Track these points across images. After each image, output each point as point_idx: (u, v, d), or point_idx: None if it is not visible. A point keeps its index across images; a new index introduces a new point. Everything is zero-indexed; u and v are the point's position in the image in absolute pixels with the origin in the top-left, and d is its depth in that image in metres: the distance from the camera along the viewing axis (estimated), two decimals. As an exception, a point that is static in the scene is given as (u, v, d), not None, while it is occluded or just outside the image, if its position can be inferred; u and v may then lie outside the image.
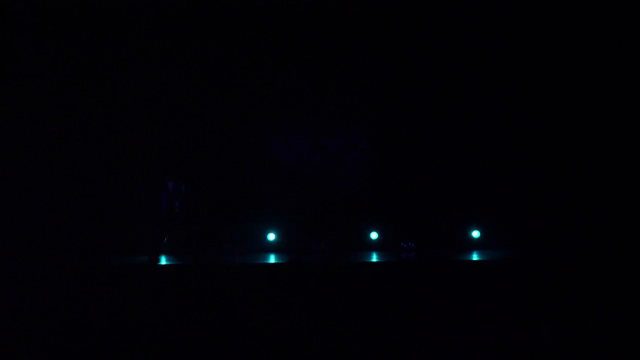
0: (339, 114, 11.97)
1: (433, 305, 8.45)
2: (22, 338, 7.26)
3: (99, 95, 10.87)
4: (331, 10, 10.74)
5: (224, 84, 11.67)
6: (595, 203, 10.87)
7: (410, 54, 11.51)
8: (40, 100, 10.50)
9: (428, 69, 11.62)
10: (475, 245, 11.78)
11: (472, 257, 10.43)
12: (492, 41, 10.90)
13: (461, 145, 11.91)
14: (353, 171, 12.23)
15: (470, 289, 8.66)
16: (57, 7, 10.14)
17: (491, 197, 11.64)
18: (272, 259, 10.60)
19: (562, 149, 11.22)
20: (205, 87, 11.63)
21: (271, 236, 12.08)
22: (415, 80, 11.66)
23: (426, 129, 11.94)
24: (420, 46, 11.46)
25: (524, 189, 11.52)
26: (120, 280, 8.66)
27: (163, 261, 10.07)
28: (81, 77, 10.74)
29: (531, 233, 11.12)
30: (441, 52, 11.46)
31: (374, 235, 12.18)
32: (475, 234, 11.94)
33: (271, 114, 11.99)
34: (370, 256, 10.72)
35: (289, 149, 12.24)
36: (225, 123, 11.82)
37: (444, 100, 11.65)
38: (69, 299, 8.09)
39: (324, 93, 11.72)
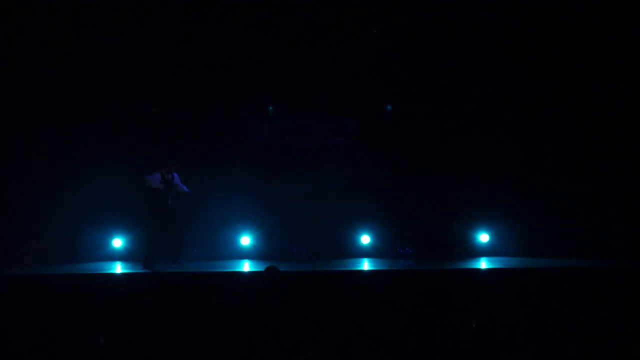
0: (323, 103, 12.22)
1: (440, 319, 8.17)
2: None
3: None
4: None
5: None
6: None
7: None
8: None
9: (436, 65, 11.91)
10: (482, 251, 11.84)
11: (478, 264, 10.66)
12: (488, 36, 11.60)
13: (467, 135, 11.98)
14: (340, 163, 12.29)
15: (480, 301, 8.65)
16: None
17: (502, 195, 11.71)
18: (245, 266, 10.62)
19: (565, 152, 11.75)
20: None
21: (245, 240, 11.96)
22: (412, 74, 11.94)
23: (425, 119, 12.08)
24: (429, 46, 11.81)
25: (534, 191, 11.72)
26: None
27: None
28: None
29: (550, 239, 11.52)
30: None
31: (365, 240, 12.05)
32: (484, 238, 11.92)
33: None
34: (359, 263, 10.96)
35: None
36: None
37: (443, 95, 11.97)
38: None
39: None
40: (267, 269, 8.18)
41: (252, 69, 11.86)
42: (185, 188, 10.58)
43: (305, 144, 12.36)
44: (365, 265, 10.75)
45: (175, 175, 10.47)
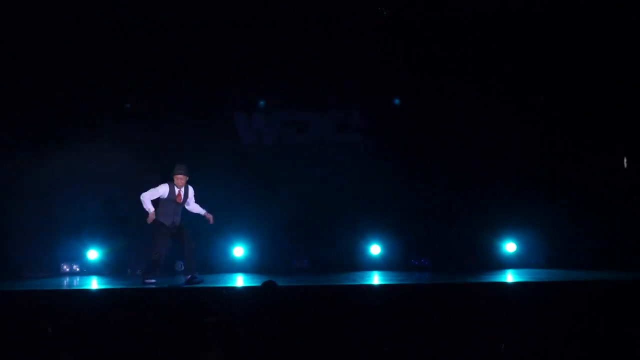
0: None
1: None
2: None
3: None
4: None
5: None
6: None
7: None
8: None
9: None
10: (509, 262, 11.84)
11: (505, 277, 10.62)
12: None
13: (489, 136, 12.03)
14: (345, 162, 12.24)
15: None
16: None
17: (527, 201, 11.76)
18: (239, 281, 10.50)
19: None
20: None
21: (238, 251, 11.92)
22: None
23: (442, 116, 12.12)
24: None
25: (570, 192, 11.79)
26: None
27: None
28: None
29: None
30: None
31: (374, 250, 12.02)
32: (511, 247, 11.91)
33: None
34: (368, 277, 10.91)
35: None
36: None
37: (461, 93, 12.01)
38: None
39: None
40: (263, 284, 8.11)
41: (243, 54, 11.83)
42: (200, 208, 10.27)
43: (305, 141, 12.35)
44: (375, 279, 10.72)
45: (190, 190, 10.17)
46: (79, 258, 11.98)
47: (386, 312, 8.62)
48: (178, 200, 10.04)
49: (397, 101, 12.26)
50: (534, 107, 12.09)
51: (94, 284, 10.61)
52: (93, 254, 11.94)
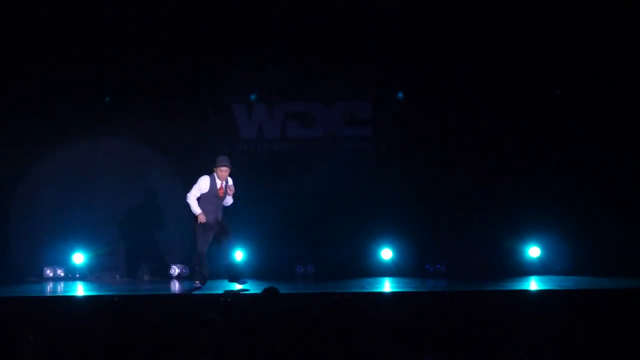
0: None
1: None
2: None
3: None
4: None
5: None
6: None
7: None
8: None
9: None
10: (532, 268, 11.76)
11: (528, 285, 10.62)
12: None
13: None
14: (354, 158, 12.24)
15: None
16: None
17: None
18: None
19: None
20: None
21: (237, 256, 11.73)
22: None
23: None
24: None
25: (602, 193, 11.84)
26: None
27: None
28: None
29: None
30: None
31: (386, 254, 11.90)
32: (534, 252, 11.82)
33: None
34: (379, 284, 10.95)
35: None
36: None
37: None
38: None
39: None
40: (264, 291, 8.16)
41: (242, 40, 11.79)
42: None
43: (310, 135, 12.27)
44: (387, 286, 10.75)
45: (230, 182, 10.24)
46: (63, 262, 11.82)
47: (398, 322, 8.46)
48: (220, 194, 10.20)
49: (400, 95, 12.25)
50: (558, 100, 12.08)
51: (80, 290, 10.61)
52: (79, 258, 11.80)
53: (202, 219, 9.98)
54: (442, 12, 11.83)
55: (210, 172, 10.15)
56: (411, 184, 11.97)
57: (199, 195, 10.02)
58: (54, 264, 11.85)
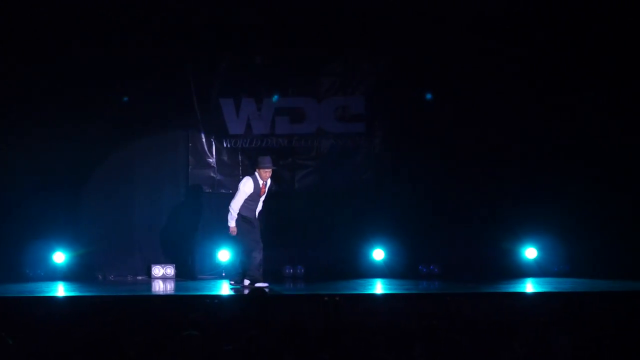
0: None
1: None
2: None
3: None
4: None
5: None
6: None
7: None
8: None
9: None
10: (528, 270, 11.75)
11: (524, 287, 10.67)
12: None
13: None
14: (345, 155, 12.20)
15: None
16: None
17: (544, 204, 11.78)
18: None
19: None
20: None
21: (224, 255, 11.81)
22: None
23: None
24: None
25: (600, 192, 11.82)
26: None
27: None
28: None
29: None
30: None
31: (378, 255, 11.83)
32: (531, 253, 11.79)
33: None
34: (370, 285, 10.97)
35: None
36: None
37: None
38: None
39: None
40: (252, 292, 8.30)
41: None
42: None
43: (300, 131, 12.18)
44: (378, 287, 10.80)
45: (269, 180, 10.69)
46: (43, 261, 11.75)
47: (390, 324, 8.32)
48: (262, 193, 10.61)
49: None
50: (555, 102, 12.04)
51: (61, 290, 10.62)
52: (60, 257, 11.72)
53: (233, 231, 10.36)
54: (436, 5, 11.72)
55: (251, 174, 10.53)
56: (405, 182, 11.99)
57: (242, 201, 10.27)
58: (33, 264, 11.72)
